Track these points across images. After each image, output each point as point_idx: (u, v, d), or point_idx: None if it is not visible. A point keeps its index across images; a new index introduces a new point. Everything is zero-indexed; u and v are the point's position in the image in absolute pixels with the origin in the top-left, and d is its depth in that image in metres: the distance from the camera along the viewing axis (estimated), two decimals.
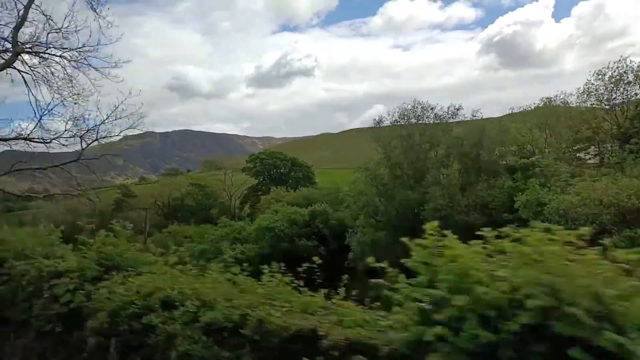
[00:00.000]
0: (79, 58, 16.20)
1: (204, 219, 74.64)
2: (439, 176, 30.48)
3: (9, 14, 15.65)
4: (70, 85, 16.13)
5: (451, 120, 34.88)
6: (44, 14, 15.22)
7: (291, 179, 75.18)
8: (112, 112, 17.15)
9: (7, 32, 15.84)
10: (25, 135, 19.37)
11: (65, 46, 16.91)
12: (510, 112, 43.29)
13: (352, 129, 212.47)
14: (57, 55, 16.23)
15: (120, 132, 18.96)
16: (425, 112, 34.51)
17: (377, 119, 36.11)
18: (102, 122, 18.84)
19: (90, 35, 15.07)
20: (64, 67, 16.08)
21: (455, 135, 32.66)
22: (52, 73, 16.33)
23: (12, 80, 15.24)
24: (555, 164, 27.66)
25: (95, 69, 15.89)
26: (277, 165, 75.70)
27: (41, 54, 16.23)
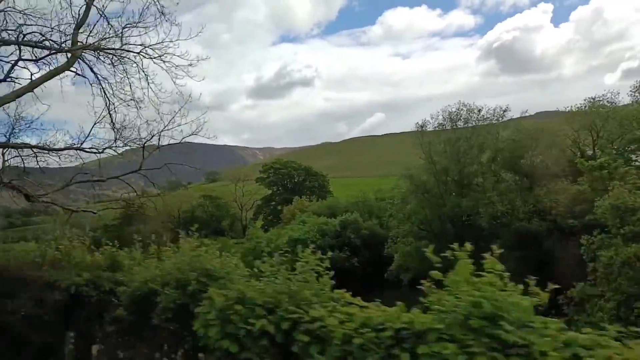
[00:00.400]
0: (157, 55, 14.54)
1: (214, 231, 72.68)
2: (494, 181, 28.75)
3: (61, 13, 14.07)
4: (145, 87, 14.60)
5: (496, 122, 33.28)
6: (100, 13, 13.76)
7: (306, 189, 73.19)
8: (172, 117, 15.68)
9: (53, 35, 14.36)
10: (77, 145, 17.52)
11: (127, 42, 15.38)
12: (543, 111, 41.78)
13: (353, 138, 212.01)
14: (135, 52, 14.50)
15: (182, 139, 17.41)
16: (471, 114, 32.87)
17: (419, 122, 34.35)
18: (165, 129, 17.19)
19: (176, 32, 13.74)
20: (139, 66, 14.38)
21: (508, 138, 31.00)
22: (125, 72, 14.62)
23: (59, 86, 13.72)
24: (624, 165, 26.03)
25: (176, 66, 14.24)
26: (292, 175, 73.76)
27: (115, 52, 14.50)
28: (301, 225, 44.81)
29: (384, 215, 47.73)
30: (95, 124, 18.29)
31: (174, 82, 14.97)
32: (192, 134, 17.66)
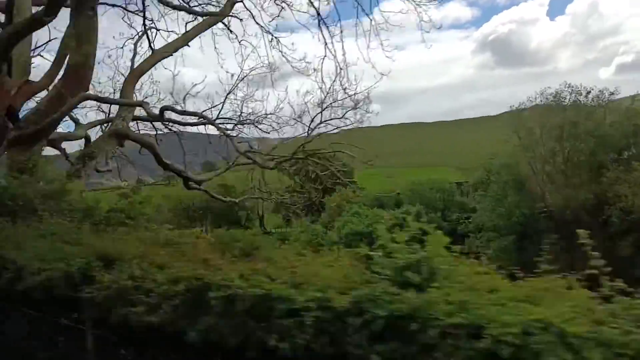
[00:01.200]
0: None
1: (230, 222, 68.59)
2: (623, 170, 25.59)
3: None
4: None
5: (604, 105, 30.13)
6: None
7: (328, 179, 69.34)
8: (332, 85, 13.91)
9: None
10: (212, 119, 14.48)
11: None
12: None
13: (350, 129, 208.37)
14: None
15: (343, 115, 14.87)
16: (577, 96, 29.59)
17: (515, 106, 30.83)
18: (329, 104, 14.71)
19: None
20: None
21: (625, 122, 27.89)
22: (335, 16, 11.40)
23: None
24: None
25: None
26: (316, 164, 69.85)
27: None
28: (356, 217, 41.17)
29: (436, 206, 44.65)
30: (227, 94, 14.96)
31: (423, 38, 12.03)
32: (352, 109, 14.48)
